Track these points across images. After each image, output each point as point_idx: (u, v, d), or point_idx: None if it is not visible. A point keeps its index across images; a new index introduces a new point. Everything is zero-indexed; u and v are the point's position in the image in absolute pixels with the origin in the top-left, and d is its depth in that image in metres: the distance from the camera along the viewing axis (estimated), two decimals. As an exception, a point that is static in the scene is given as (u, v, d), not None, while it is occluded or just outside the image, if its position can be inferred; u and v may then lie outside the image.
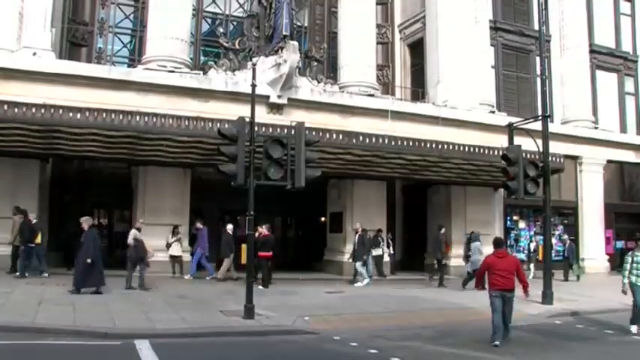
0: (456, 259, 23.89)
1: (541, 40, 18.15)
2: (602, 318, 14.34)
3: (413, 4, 27.39)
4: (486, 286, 11.46)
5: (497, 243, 11.85)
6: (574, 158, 27.18)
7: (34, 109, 15.64)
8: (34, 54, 18.44)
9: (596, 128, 28.43)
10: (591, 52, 29.50)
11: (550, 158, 17.55)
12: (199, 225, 19.79)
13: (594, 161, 27.94)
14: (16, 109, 15.47)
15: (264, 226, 18.63)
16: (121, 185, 21.57)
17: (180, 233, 19.92)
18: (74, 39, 22.98)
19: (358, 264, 20.11)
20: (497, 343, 10.73)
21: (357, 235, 20.44)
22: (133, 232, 16.84)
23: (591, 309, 15.59)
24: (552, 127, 20.43)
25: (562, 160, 22.16)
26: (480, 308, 14.02)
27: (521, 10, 29.01)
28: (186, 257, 20.22)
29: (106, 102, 17.76)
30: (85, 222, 14.96)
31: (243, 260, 17.66)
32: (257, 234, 16.97)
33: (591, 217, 27.73)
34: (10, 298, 13.24)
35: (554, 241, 25.00)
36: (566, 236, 23.09)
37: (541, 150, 17.07)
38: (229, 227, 20.02)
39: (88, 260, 14.32)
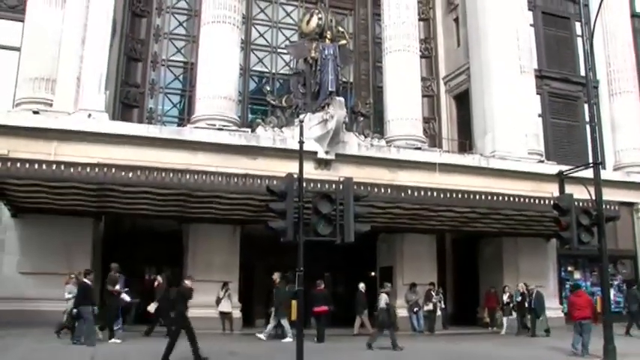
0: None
1: (588, 86, 17.94)
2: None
3: (457, 56, 27.55)
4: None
5: (575, 287, 17.81)
6: (630, 205, 26.36)
7: (88, 169, 16.14)
8: (89, 116, 19.08)
9: (652, 174, 27.62)
10: (642, 95, 28.96)
11: (604, 206, 17.07)
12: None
13: (652, 208, 27.04)
14: (71, 169, 15.99)
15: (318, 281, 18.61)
16: (171, 242, 21.79)
17: (230, 289, 19.95)
18: (126, 100, 23.79)
19: (283, 320, 18.50)
20: (574, 350, 15.50)
21: (274, 288, 19.02)
22: (384, 297, 17.57)
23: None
24: (605, 174, 19.98)
25: (617, 207, 21.55)
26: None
27: (567, 58, 28.85)
28: (237, 313, 20.23)
29: (157, 160, 18.19)
30: None
31: (294, 316, 17.57)
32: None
33: (652, 265, 26.72)
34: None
35: (612, 292, 24.20)
36: (533, 286, 21.62)
37: (594, 198, 16.65)
38: (361, 286, 20.60)
39: None
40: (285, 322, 18.54)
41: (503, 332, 21.87)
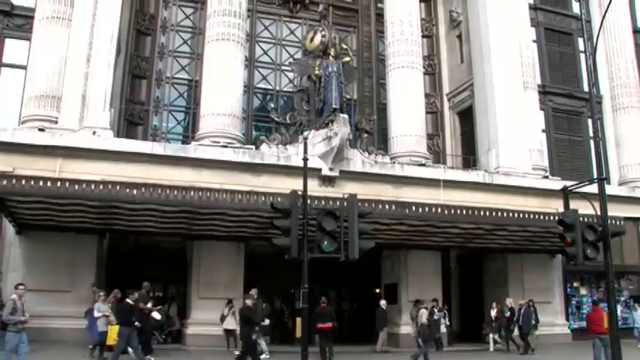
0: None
1: (592, 102, 17.80)
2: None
3: (460, 72, 27.64)
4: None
5: (594, 303, 18.84)
6: (635, 220, 26.21)
7: (93, 186, 16.17)
8: (94, 133, 19.15)
9: (657, 188, 27.53)
10: (647, 110, 28.95)
11: (609, 221, 16.95)
12: None
13: (657, 223, 26.88)
14: (76, 186, 16.01)
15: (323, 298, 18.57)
16: (176, 259, 21.80)
17: (235, 307, 19.89)
18: (131, 117, 23.88)
19: (259, 339, 17.71)
20: None
21: (252, 303, 18.19)
22: (424, 312, 18.35)
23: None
24: (610, 189, 19.89)
25: (622, 222, 21.47)
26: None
27: (570, 73, 29.01)
28: (241, 331, 20.18)
29: (161, 178, 18.20)
30: None
31: (298, 333, 17.52)
32: None
33: (659, 281, 26.56)
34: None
35: (619, 308, 24.02)
36: (523, 301, 21.33)
37: (599, 213, 16.54)
38: (382, 303, 20.80)
39: None
40: (261, 341, 18.15)
41: (491, 349, 21.64)
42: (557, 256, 23.73)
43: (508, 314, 21.36)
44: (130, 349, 15.19)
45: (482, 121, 25.26)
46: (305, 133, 19.01)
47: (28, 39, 20.83)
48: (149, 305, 16.91)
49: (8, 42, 21.81)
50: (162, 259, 22.30)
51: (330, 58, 22.99)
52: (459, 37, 28.12)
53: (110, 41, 20.47)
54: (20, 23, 21.75)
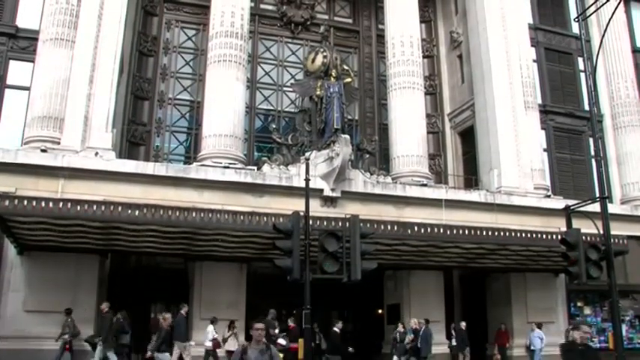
0: (518, 349, 23.01)
1: (593, 121, 17.88)
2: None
3: (461, 92, 27.73)
4: None
5: None
6: (638, 239, 26.10)
7: (94, 207, 16.13)
8: (97, 154, 19.21)
9: (661, 206, 27.45)
10: (649, 128, 28.97)
11: (612, 240, 16.91)
12: None
13: (661, 241, 26.76)
14: (78, 207, 15.99)
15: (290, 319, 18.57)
16: (177, 280, 21.72)
17: (237, 328, 19.78)
18: (133, 138, 23.94)
19: (109, 353, 17.24)
20: None
21: (101, 317, 17.81)
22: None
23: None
24: (612, 208, 19.88)
25: (626, 241, 21.37)
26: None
27: (570, 93, 29.04)
28: (243, 352, 20.04)
29: (163, 198, 18.30)
30: None
31: (300, 355, 17.41)
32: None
33: (664, 301, 26.40)
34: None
35: (624, 327, 23.84)
36: (423, 320, 20.36)
37: (602, 232, 16.50)
38: (463, 324, 21.30)
39: None
40: (112, 356, 17.47)
41: None
42: (560, 275, 23.63)
43: (412, 336, 20.41)
44: None
45: (483, 141, 25.29)
46: (307, 154, 19.08)
47: (32, 61, 20.94)
48: (276, 331, 17.00)
49: (12, 64, 21.94)
50: (164, 280, 22.23)
51: (332, 78, 23.10)
52: (460, 57, 28.27)
53: (113, 63, 20.58)
54: (25, 45, 21.89)
